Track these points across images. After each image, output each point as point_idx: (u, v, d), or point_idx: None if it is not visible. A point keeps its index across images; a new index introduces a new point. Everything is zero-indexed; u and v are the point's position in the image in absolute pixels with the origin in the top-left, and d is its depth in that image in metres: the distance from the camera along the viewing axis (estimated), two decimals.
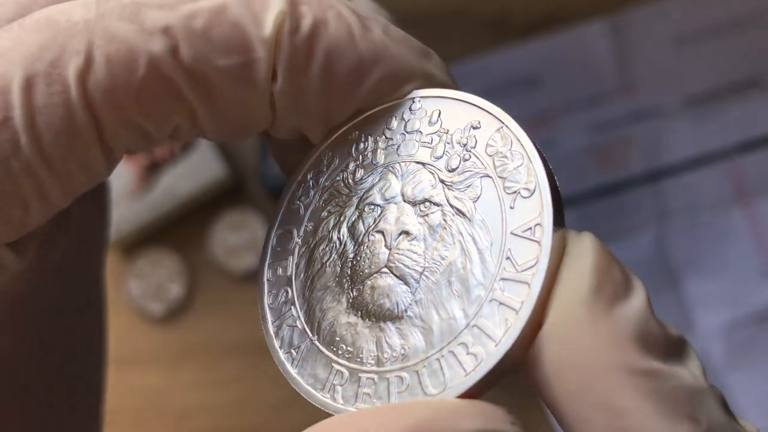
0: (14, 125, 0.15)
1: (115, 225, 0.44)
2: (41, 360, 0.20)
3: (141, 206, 0.45)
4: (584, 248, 0.15)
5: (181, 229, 0.47)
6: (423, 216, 0.17)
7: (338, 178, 0.18)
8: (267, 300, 0.18)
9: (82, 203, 0.17)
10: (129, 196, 0.45)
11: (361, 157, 0.18)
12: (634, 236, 0.46)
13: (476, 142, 0.17)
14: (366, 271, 0.17)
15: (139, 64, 0.15)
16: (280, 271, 0.18)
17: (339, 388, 0.16)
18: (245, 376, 0.45)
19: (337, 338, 0.17)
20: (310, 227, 0.18)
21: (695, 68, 0.47)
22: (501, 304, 0.15)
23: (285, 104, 0.17)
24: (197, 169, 0.45)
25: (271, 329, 0.18)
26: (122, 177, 0.45)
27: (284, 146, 0.19)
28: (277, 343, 0.17)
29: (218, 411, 0.45)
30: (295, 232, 0.18)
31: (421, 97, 0.18)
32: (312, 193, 0.18)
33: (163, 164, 0.45)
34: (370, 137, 0.18)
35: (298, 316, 0.17)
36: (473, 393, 0.15)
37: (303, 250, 0.18)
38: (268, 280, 0.18)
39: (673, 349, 0.14)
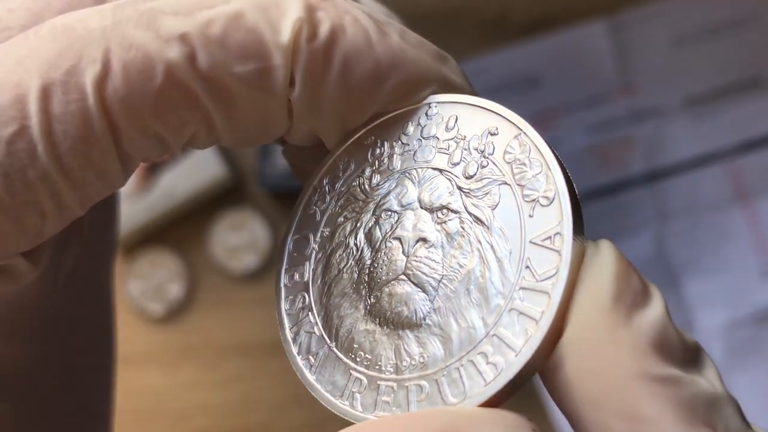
0: (31, 134, 0.15)
1: None
2: (55, 366, 0.20)
3: (141, 206, 0.45)
4: (603, 257, 0.15)
5: (181, 229, 0.47)
6: (440, 223, 0.17)
7: (354, 183, 0.18)
8: (284, 306, 0.18)
9: (94, 209, 0.17)
10: (129, 196, 0.45)
11: (377, 162, 0.18)
12: (634, 236, 0.46)
13: (494, 148, 0.17)
14: (383, 278, 0.17)
15: (156, 71, 0.15)
16: (296, 276, 0.18)
17: (358, 396, 0.16)
18: (245, 376, 0.45)
19: (355, 345, 0.17)
20: (327, 233, 0.18)
21: (695, 68, 0.47)
22: (521, 313, 0.15)
23: (302, 110, 0.17)
24: (197, 169, 0.45)
25: (289, 335, 0.17)
26: None
27: (299, 153, 0.19)
28: (294, 350, 0.17)
29: (218, 411, 0.45)
30: (311, 237, 0.18)
31: (438, 102, 0.18)
32: (328, 198, 0.18)
33: (163, 164, 0.45)
34: (386, 143, 0.18)
35: (316, 323, 0.17)
36: (493, 402, 0.15)
37: (320, 255, 0.18)
38: (285, 285, 0.18)
39: (691, 356, 0.15)
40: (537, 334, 0.15)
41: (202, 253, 0.47)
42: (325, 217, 0.18)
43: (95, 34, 0.15)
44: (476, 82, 0.49)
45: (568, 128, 0.47)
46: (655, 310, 0.14)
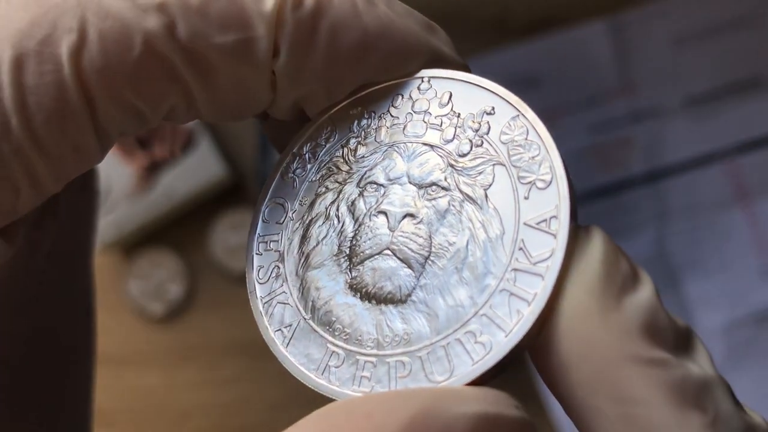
0: (4, 106, 0.14)
1: (115, 225, 0.44)
2: (33, 346, 0.20)
3: (141, 206, 0.45)
4: (593, 241, 0.15)
5: (181, 229, 0.47)
6: (430, 200, 0.16)
7: (338, 153, 0.17)
8: (256, 275, 0.17)
9: (71, 187, 0.17)
10: (129, 196, 0.45)
11: (363, 133, 0.17)
12: (634, 236, 0.46)
13: (489, 128, 0.17)
14: (366, 252, 0.16)
15: (134, 42, 0.15)
16: (270, 245, 0.17)
17: (335, 370, 0.16)
18: (245, 376, 0.45)
19: (333, 319, 0.16)
20: (306, 202, 0.17)
21: (695, 68, 0.47)
22: (512, 294, 0.15)
23: (286, 82, 0.16)
24: (197, 169, 0.45)
25: (260, 305, 0.17)
26: (122, 177, 0.45)
27: (282, 128, 0.19)
28: (266, 320, 0.17)
29: (218, 411, 0.45)
30: (288, 205, 0.18)
31: (431, 77, 0.17)
32: (309, 166, 0.18)
33: (163, 164, 0.45)
34: (374, 114, 0.17)
35: (290, 294, 0.17)
36: (479, 382, 0.15)
37: (297, 225, 0.17)
38: (257, 254, 0.17)
39: (681, 340, 0.15)
40: (529, 316, 0.15)
41: (202, 253, 0.47)
42: (303, 186, 0.18)
43: (70, 2, 0.15)
44: None
45: (568, 128, 0.47)
46: (644, 293, 0.15)
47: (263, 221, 0.18)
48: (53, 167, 0.15)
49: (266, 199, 0.18)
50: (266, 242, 0.17)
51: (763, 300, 0.44)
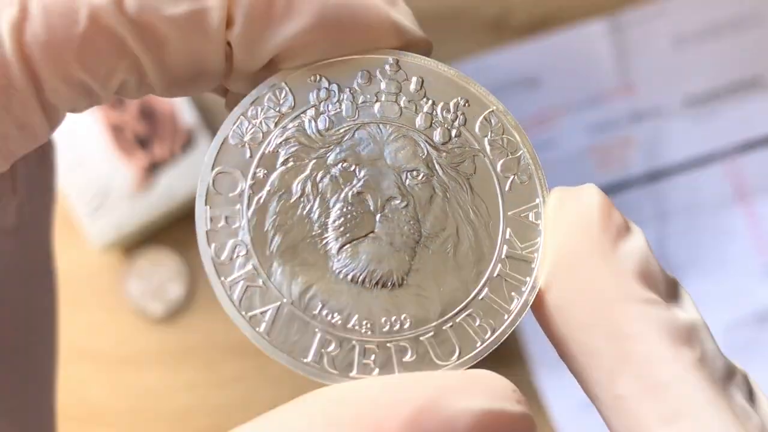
0: None
1: (115, 225, 0.44)
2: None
3: (141, 206, 0.45)
4: (589, 194, 0.16)
5: (181, 229, 0.47)
6: (414, 184, 0.16)
7: (300, 124, 0.16)
8: (213, 254, 0.16)
9: (26, 161, 0.17)
10: (129, 196, 0.45)
11: (327, 106, 0.16)
12: None
13: (466, 120, 0.17)
14: (349, 234, 0.16)
15: (79, 15, 0.14)
16: (226, 220, 0.16)
17: (331, 356, 0.15)
18: (245, 376, 0.45)
19: (320, 303, 0.16)
20: (262, 174, 0.16)
21: (695, 68, 0.47)
22: (506, 280, 0.16)
23: (243, 53, 0.16)
24: (197, 169, 0.45)
25: (223, 288, 0.16)
26: (122, 177, 0.45)
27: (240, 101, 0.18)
28: (235, 304, 0.16)
29: (218, 411, 0.45)
30: (239, 175, 0.16)
31: (399, 59, 0.17)
32: (263, 133, 0.16)
33: (163, 164, 0.45)
34: (335, 86, 0.17)
35: (259, 275, 0.16)
36: (482, 362, 0.15)
37: (256, 199, 0.16)
38: (210, 230, 0.16)
39: (671, 287, 0.16)
40: (527, 297, 0.15)
41: None
42: (258, 155, 0.16)
43: None
44: (476, 81, 0.49)
45: (568, 128, 0.47)
46: (637, 241, 0.15)
47: (210, 192, 0.16)
48: None
49: (211, 166, 0.16)
50: (219, 217, 0.16)
51: (763, 300, 0.44)
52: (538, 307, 0.15)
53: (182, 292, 0.46)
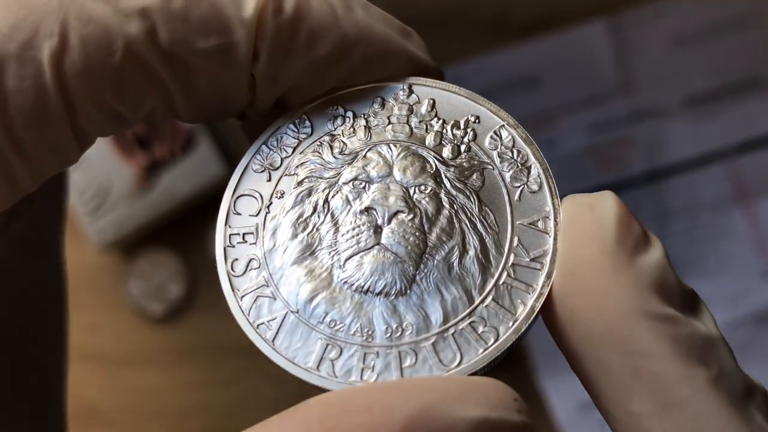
0: None
1: (115, 225, 0.44)
2: (5, 335, 0.20)
3: (141, 206, 0.45)
4: (606, 203, 0.15)
5: (181, 229, 0.47)
6: (422, 198, 0.17)
7: (318, 149, 0.17)
8: (230, 268, 0.17)
9: None
10: (129, 196, 0.45)
11: (343, 131, 0.18)
12: None
13: (476, 135, 0.17)
14: (356, 246, 0.16)
15: (115, 47, 0.15)
16: (243, 237, 0.17)
17: (334, 363, 0.16)
18: (245, 376, 0.45)
19: (325, 312, 0.16)
20: (283, 195, 0.17)
21: (695, 68, 0.47)
22: (513, 288, 0.16)
23: (265, 84, 0.16)
24: (197, 169, 0.45)
25: (237, 300, 0.17)
26: (122, 177, 0.45)
27: (260, 127, 0.19)
28: (247, 315, 0.17)
29: (218, 411, 0.45)
30: (259, 196, 0.18)
31: (412, 83, 0.18)
32: (285, 159, 0.18)
33: (163, 164, 0.45)
34: (353, 113, 0.18)
35: (268, 285, 0.17)
36: (487, 368, 0.15)
37: (275, 218, 0.17)
38: (229, 246, 0.18)
39: (689, 301, 0.15)
40: (533, 305, 0.15)
41: (202, 253, 0.47)
42: (278, 178, 0.18)
43: (52, 5, 0.15)
44: (476, 82, 0.49)
45: (568, 128, 0.47)
46: (656, 254, 0.15)
47: (234, 213, 0.18)
48: (30, 168, 0.15)
49: (235, 191, 0.18)
50: (239, 234, 0.18)
51: (763, 300, 0.44)
52: (551, 319, 0.15)
53: (182, 292, 0.46)
